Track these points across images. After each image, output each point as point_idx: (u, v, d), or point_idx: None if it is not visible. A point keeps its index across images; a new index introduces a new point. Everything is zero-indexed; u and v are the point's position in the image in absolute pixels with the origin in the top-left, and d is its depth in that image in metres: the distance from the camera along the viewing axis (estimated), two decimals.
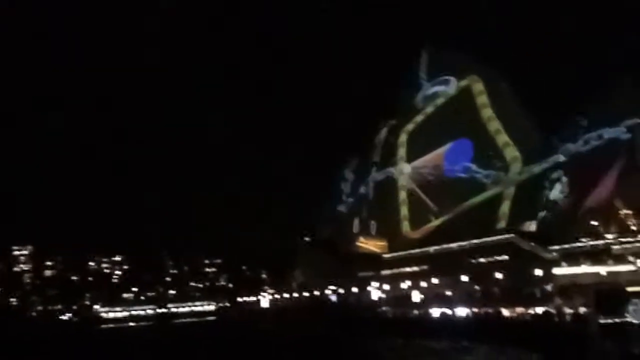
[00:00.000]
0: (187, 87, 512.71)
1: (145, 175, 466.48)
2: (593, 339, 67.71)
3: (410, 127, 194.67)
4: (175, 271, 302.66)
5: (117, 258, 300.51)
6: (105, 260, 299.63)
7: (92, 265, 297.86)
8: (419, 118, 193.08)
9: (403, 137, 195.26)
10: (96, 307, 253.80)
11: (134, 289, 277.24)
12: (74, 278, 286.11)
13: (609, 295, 73.06)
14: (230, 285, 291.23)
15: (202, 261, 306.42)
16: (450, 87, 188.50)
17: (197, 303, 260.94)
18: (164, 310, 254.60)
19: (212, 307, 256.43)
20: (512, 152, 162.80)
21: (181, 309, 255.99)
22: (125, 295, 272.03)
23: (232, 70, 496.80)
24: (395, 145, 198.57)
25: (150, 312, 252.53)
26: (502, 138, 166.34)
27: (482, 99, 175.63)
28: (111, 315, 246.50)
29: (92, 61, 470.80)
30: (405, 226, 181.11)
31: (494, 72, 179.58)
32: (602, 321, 67.63)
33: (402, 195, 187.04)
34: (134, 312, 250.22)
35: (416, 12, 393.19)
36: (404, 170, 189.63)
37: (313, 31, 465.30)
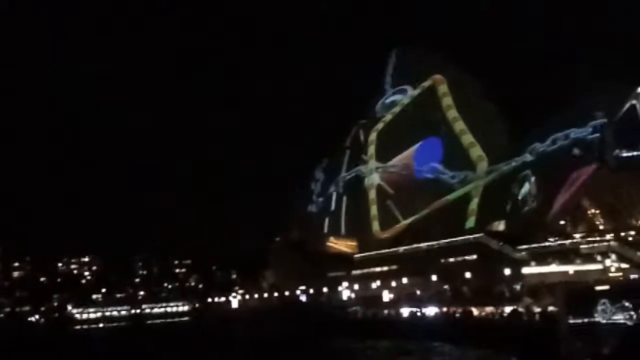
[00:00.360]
0: (162, 87, 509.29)
1: (115, 174, 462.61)
2: (563, 339, 68.29)
3: (379, 126, 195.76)
4: (144, 272, 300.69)
5: (86, 259, 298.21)
6: (74, 261, 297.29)
7: (61, 267, 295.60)
8: (389, 118, 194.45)
9: (373, 136, 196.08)
10: (69, 307, 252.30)
11: (103, 290, 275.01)
12: (43, 279, 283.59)
13: (578, 295, 73.66)
14: (200, 286, 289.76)
15: (172, 262, 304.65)
16: (407, 96, 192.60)
17: (172, 304, 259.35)
18: (137, 310, 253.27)
19: (187, 308, 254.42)
20: (477, 152, 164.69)
21: (156, 310, 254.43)
22: (95, 296, 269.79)
23: (193, 67, 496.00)
24: (366, 144, 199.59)
25: (124, 313, 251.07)
26: (468, 138, 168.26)
27: (447, 101, 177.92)
28: (85, 316, 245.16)
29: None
30: (375, 225, 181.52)
31: (462, 72, 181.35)
32: (571, 321, 68.18)
33: (372, 194, 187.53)
34: (107, 313, 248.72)
35: (389, 11, 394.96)
36: (373, 170, 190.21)
37: (288, 29, 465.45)
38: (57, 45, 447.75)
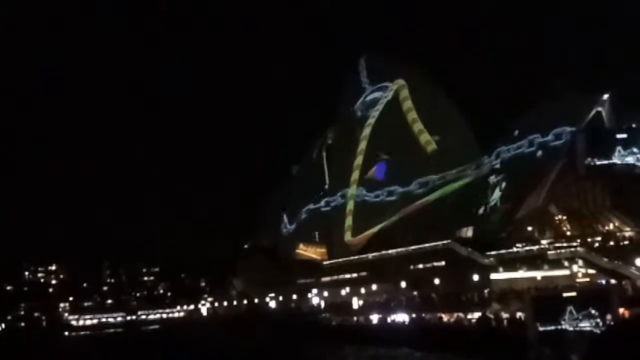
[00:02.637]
0: (138, 92, 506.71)
1: (82, 182, 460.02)
2: (532, 346, 68.55)
3: (366, 132, 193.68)
4: (112, 280, 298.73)
5: (53, 267, 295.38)
6: (40, 269, 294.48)
7: (27, 275, 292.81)
8: (359, 128, 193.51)
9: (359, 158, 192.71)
10: (65, 314, 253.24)
11: (71, 298, 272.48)
12: (9, 288, 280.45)
13: (546, 302, 74.04)
14: (169, 294, 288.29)
15: (140, 269, 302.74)
16: (387, 93, 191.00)
17: (167, 310, 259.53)
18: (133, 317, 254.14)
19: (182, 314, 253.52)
20: (431, 146, 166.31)
21: (151, 316, 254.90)
22: (62, 304, 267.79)
23: (178, 73, 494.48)
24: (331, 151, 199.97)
25: (119, 319, 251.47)
26: (425, 137, 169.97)
27: (407, 104, 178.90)
28: (80, 322, 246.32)
29: None
30: (348, 236, 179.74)
31: (429, 77, 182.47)
32: (540, 328, 68.51)
33: (350, 205, 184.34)
34: (102, 320, 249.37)
35: (358, 16, 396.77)
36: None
37: (256, 35, 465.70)
38: None
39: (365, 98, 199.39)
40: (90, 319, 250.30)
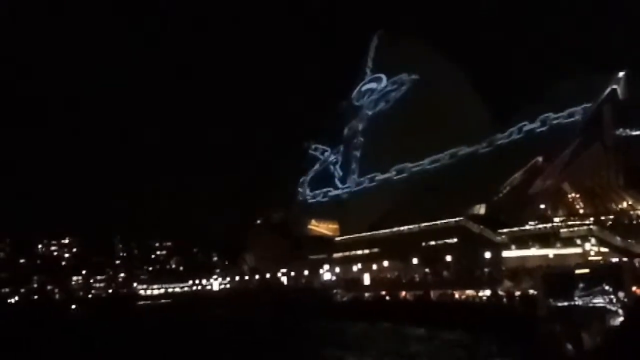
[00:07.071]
0: (145, 73, 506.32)
1: (96, 156, 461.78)
2: (542, 322, 68.45)
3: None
4: (124, 254, 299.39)
5: (66, 240, 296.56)
6: (54, 242, 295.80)
7: (40, 248, 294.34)
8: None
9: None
10: (135, 284, 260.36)
11: (84, 272, 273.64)
12: (22, 261, 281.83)
13: (558, 278, 73.92)
14: (181, 268, 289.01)
15: (152, 244, 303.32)
16: (381, 84, 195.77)
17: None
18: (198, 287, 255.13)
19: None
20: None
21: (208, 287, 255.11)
22: (75, 278, 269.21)
23: (186, 57, 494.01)
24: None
25: (186, 289, 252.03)
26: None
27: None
28: (149, 292, 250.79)
29: None
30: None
31: (444, 58, 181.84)
32: (552, 304, 68.32)
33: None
34: (169, 290, 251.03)
35: None
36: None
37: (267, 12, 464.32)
38: None
39: (362, 88, 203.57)
40: (158, 288, 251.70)
